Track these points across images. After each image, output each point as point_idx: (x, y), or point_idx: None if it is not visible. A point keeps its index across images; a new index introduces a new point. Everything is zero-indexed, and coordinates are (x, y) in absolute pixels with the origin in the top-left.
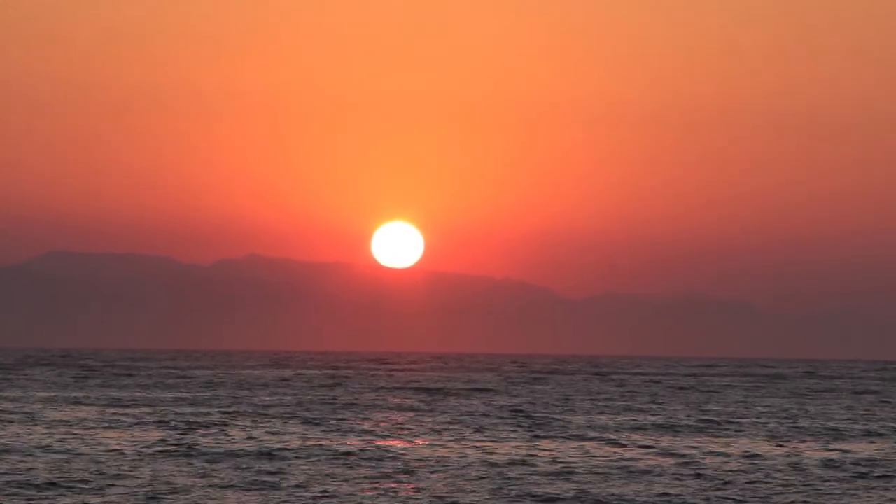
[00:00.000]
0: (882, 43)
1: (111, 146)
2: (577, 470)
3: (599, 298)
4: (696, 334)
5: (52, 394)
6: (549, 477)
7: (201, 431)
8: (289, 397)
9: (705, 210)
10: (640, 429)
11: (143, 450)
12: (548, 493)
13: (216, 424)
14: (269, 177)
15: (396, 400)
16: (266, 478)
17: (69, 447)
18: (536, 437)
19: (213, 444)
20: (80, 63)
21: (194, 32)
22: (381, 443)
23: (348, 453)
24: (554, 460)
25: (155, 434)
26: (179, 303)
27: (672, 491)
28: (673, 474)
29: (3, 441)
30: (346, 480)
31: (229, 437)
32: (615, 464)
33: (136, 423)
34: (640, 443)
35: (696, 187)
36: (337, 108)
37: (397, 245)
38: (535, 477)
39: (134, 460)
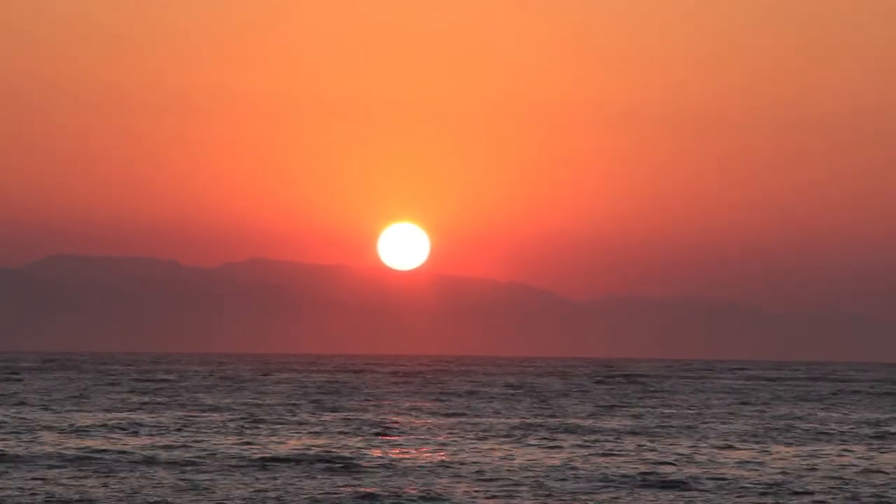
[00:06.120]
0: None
1: (114, 150)
2: None
3: (602, 301)
4: (699, 337)
5: None
6: None
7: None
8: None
9: (709, 213)
10: None
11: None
12: None
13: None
14: (274, 179)
15: None
16: None
17: None
18: None
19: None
20: (84, 67)
21: (200, 35)
22: None
23: None
24: None
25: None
26: (183, 306)
27: None
28: None
29: None
30: None
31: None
32: None
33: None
34: None
35: (701, 191)
36: (343, 110)
37: (403, 246)
38: None
39: None
